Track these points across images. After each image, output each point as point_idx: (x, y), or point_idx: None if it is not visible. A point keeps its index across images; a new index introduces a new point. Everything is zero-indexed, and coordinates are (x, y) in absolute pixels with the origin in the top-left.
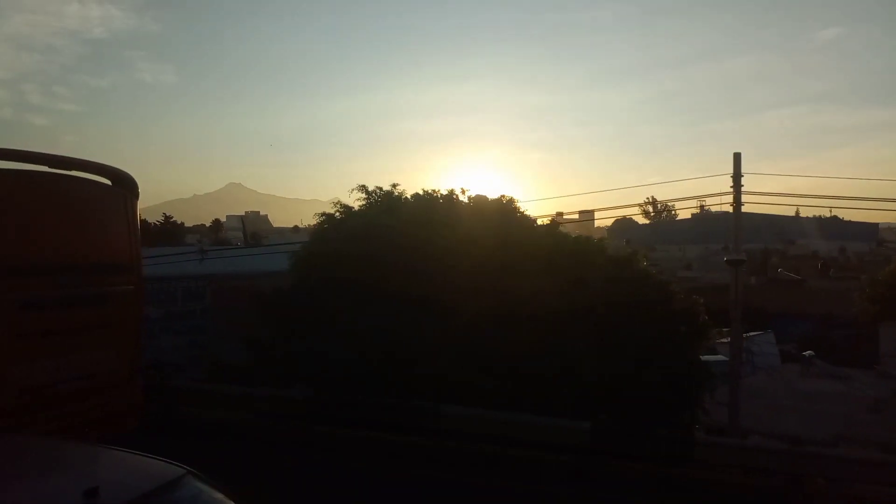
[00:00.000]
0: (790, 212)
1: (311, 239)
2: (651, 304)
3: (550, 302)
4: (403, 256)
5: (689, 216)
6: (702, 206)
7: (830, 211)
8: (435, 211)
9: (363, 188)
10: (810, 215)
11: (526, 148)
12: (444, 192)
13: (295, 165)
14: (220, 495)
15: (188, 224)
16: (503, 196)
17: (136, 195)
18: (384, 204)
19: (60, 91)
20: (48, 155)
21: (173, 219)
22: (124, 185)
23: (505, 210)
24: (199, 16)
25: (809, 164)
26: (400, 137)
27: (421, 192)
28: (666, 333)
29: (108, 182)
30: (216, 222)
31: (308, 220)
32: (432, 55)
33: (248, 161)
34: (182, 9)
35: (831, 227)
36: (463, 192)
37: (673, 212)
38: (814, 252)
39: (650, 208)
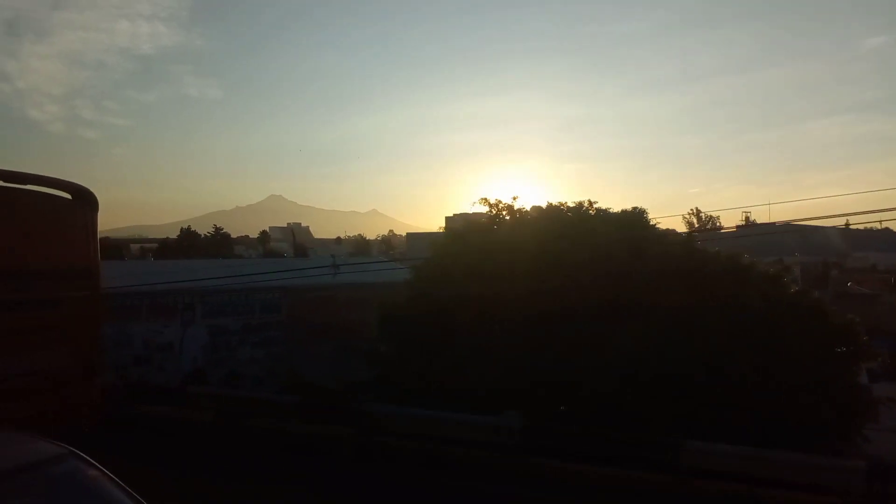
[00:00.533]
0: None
1: (435, 254)
2: (806, 323)
3: (701, 321)
4: (537, 271)
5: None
6: (747, 218)
7: (881, 223)
8: (567, 224)
9: (485, 200)
10: (860, 226)
11: (562, 159)
12: (572, 205)
13: (333, 177)
14: (95, 472)
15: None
16: (633, 207)
17: (95, 209)
18: (511, 218)
19: (110, 105)
20: (7, 171)
21: (223, 230)
22: (83, 200)
23: (635, 222)
24: (242, 32)
25: (855, 173)
26: (436, 150)
27: (545, 206)
28: (823, 354)
29: (67, 196)
30: (264, 233)
31: (347, 230)
32: (467, 69)
33: (287, 173)
34: (226, 25)
35: (882, 239)
36: (590, 204)
37: (717, 223)
38: (872, 265)
39: (694, 219)
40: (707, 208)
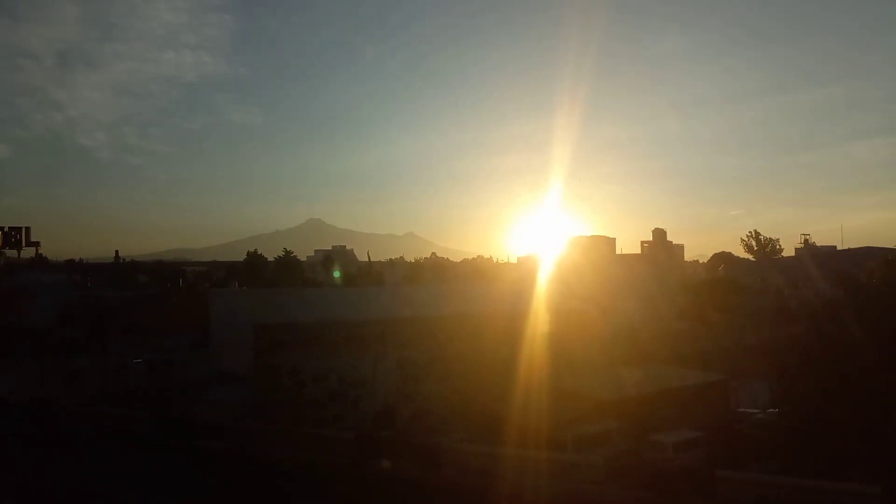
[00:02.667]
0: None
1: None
2: None
3: None
4: None
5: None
6: (806, 241)
7: None
8: None
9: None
10: None
11: (602, 181)
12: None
13: (370, 201)
14: None
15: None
16: None
17: None
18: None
19: (155, 133)
20: None
21: (293, 254)
22: None
23: None
24: (282, 59)
25: None
26: (472, 172)
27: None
28: None
29: None
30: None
31: (385, 254)
32: (504, 92)
33: (326, 197)
34: (267, 53)
35: None
36: None
37: (778, 246)
38: None
39: (753, 242)
40: (744, 229)
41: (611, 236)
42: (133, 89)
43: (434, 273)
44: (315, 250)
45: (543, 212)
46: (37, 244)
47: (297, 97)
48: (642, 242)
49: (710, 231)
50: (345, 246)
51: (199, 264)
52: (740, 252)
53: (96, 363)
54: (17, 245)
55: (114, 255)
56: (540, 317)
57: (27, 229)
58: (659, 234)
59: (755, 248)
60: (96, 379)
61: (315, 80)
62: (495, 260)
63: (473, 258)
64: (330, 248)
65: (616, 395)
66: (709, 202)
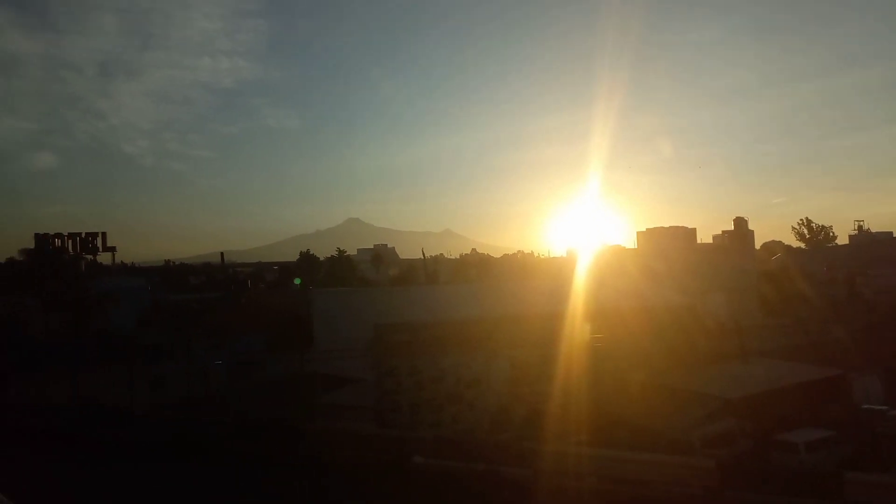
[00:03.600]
0: None
1: None
2: None
3: None
4: None
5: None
6: (860, 227)
7: None
8: None
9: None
10: None
11: (642, 171)
12: None
13: (407, 199)
14: None
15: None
16: None
17: None
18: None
19: (195, 139)
20: None
21: (346, 252)
22: None
23: None
24: (316, 62)
25: None
26: (508, 167)
27: None
28: None
29: None
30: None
31: (427, 251)
32: (538, 85)
33: (364, 197)
34: (301, 56)
35: None
36: None
37: (832, 233)
38: None
39: (805, 230)
40: (794, 218)
41: (690, 226)
42: (172, 96)
43: (478, 269)
44: (358, 249)
45: (583, 204)
46: (113, 249)
47: (331, 98)
48: (723, 231)
49: (752, 220)
50: (386, 244)
51: (244, 265)
52: (791, 240)
53: (180, 367)
54: (94, 251)
55: (164, 259)
56: (634, 312)
57: (103, 234)
58: (740, 223)
59: (807, 235)
60: (181, 383)
61: (348, 80)
62: (537, 254)
63: (514, 253)
64: (371, 247)
65: (740, 392)
66: (749, 190)
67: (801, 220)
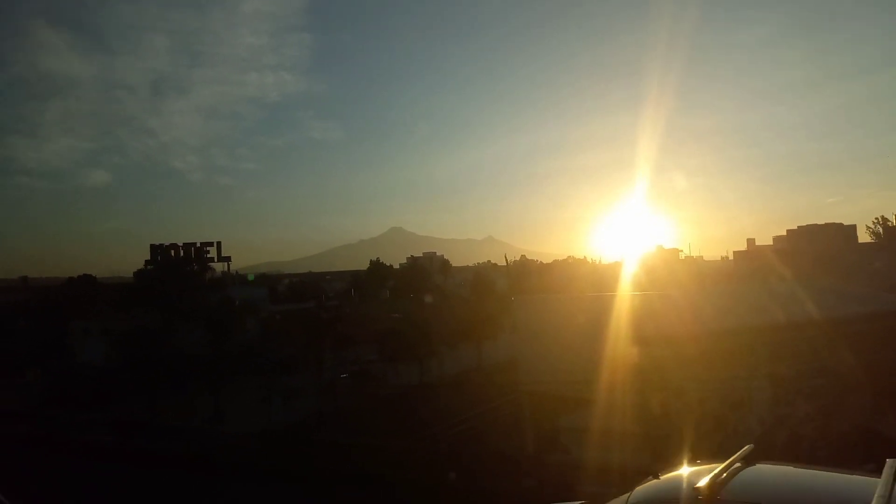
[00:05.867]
0: None
1: None
2: None
3: None
4: None
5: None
6: None
7: None
8: None
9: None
10: None
11: (691, 173)
12: None
13: (449, 207)
14: None
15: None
16: None
17: None
18: None
19: (242, 152)
20: None
21: (420, 258)
22: None
23: None
24: (360, 74)
25: None
26: (551, 173)
27: None
28: None
29: None
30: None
31: (467, 259)
32: (582, 89)
33: (406, 206)
34: (344, 69)
35: None
36: None
37: None
38: None
39: (880, 229)
40: (849, 217)
41: (848, 224)
42: (220, 112)
43: (567, 277)
44: (407, 258)
45: (632, 208)
46: (228, 259)
47: (375, 110)
48: (881, 222)
49: (805, 220)
50: (435, 252)
51: (294, 276)
52: (864, 240)
53: (309, 379)
54: (209, 260)
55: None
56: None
57: (219, 244)
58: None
59: (882, 234)
60: (312, 396)
61: (390, 91)
62: (589, 260)
63: (564, 259)
64: (419, 256)
65: None
66: (802, 190)
67: (876, 218)
